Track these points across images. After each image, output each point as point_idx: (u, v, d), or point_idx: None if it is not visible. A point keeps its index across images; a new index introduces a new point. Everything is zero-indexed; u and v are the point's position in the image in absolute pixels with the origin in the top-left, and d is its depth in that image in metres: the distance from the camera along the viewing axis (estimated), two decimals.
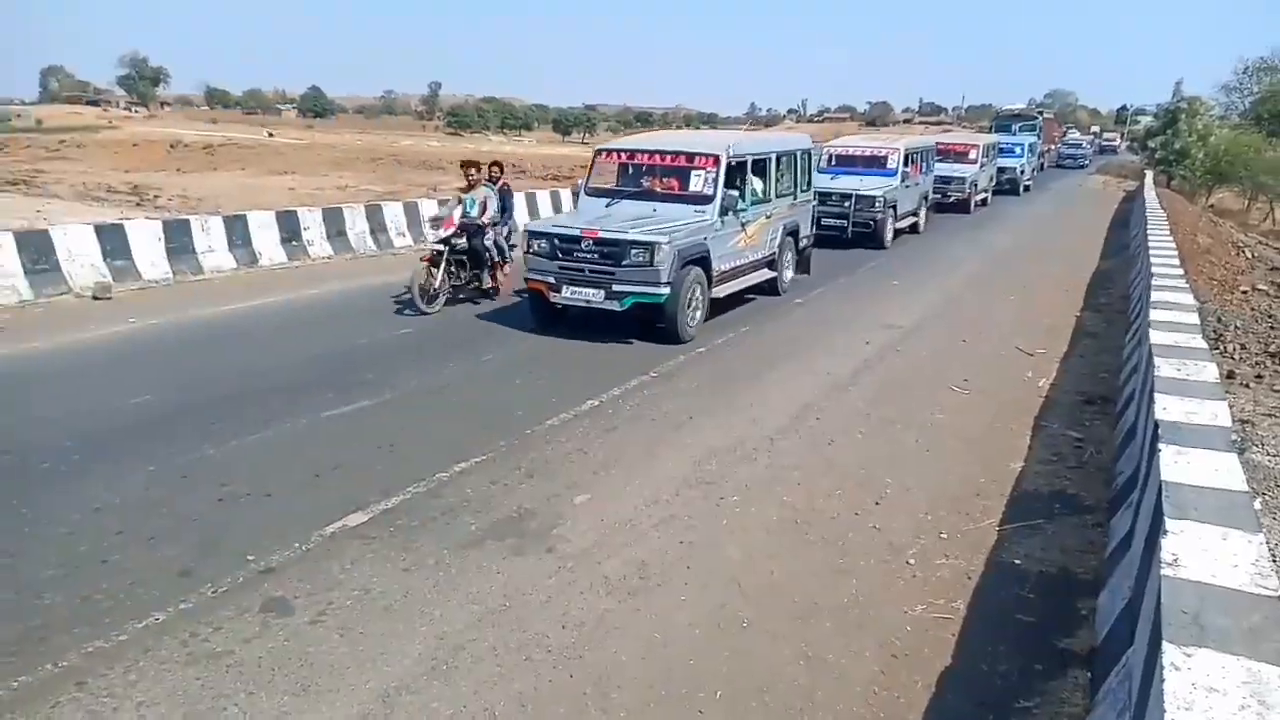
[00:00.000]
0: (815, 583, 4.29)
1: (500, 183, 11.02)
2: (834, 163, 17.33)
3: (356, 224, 14.47)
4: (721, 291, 9.59)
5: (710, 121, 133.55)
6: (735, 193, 9.45)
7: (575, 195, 10.56)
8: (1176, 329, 6.08)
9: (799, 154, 11.65)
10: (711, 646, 3.76)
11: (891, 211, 15.96)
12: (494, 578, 4.24)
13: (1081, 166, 46.18)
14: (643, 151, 10.07)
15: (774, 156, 10.73)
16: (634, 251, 8.33)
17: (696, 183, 9.38)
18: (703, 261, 8.97)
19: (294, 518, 4.81)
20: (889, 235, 15.98)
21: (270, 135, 64.64)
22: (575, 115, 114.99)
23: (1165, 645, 2.33)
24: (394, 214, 15.23)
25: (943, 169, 21.04)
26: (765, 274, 10.86)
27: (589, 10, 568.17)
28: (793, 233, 11.51)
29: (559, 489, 5.28)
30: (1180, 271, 9.37)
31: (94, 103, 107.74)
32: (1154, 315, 6.53)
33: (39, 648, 3.57)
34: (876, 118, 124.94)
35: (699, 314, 9.08)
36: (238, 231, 12.68)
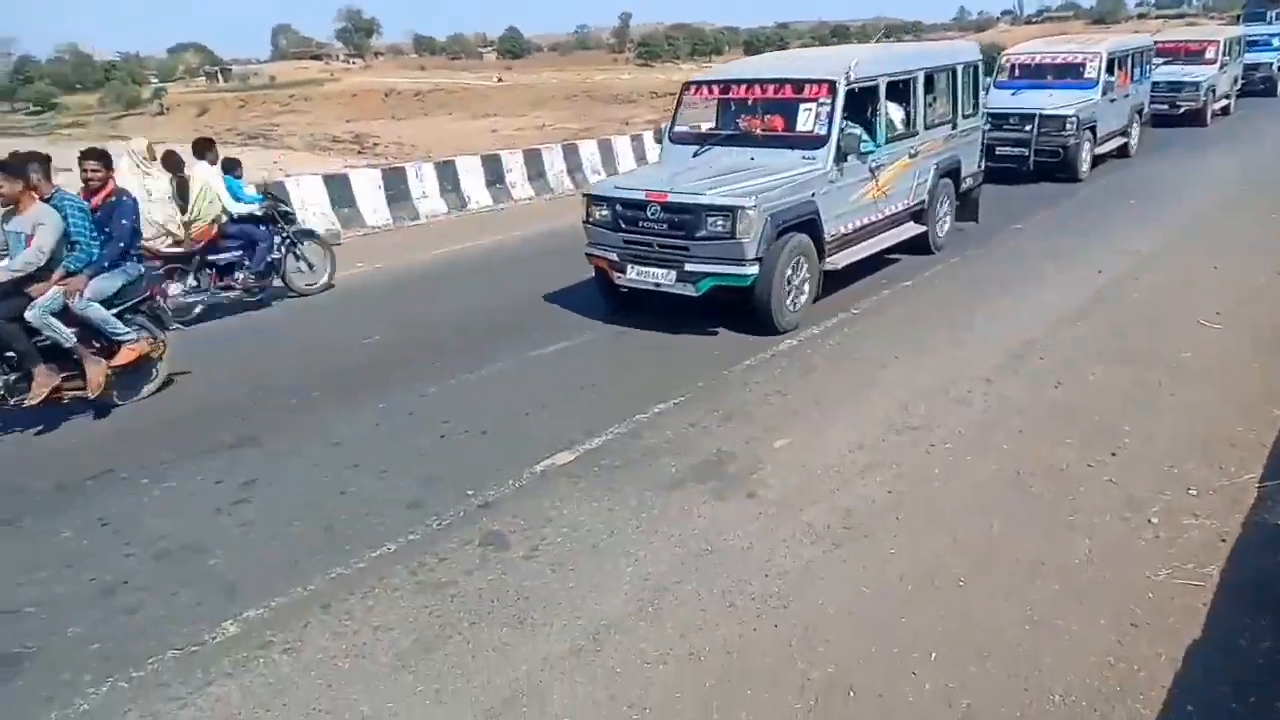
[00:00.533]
0: (1041, 540, 3.97)
1: (106, 190, 6.11)
2: (1017, 74, 14.20)
3: (554, 164, 14.83)
4: (840, 261, 7.54)
5: (914, 31, 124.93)
6: (858, 130, 7.45)
7: (660, 141, 8.70)
8: None
9: (960, 69, 9.07)
10: (924, 603, 3.58)
11: (1089, 134, 12.90)
12: (695, 521, 4.25)
13: None
14: (739, 83, 7.97)
15: (920, 75, 8.31)
16: (710, 219, 6.54)
17: (805, 120, 7.30)
18: (809, 226, 7.02)
19: (507, 455, 5.04)
20: (1084, 164, 12.93)
21: (499, 80, 67.09)
22: (766, 35, 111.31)
23: None
24: (589, 153, 15.46)
25: (1169, 73, 17.53)
26: (911, 229, 8.64)
27: None
28: (951, 172, 9.13)
29: (757, 432, 5.20)
30: None
31: (317, 58, 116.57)
32: None
33: (290, 572, 3.97)
34: (1105, 14, 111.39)
35: (805, 294, 7.15)
36: (448, 177, 13.38)
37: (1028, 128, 12.67)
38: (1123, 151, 14.73)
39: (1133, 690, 3.06)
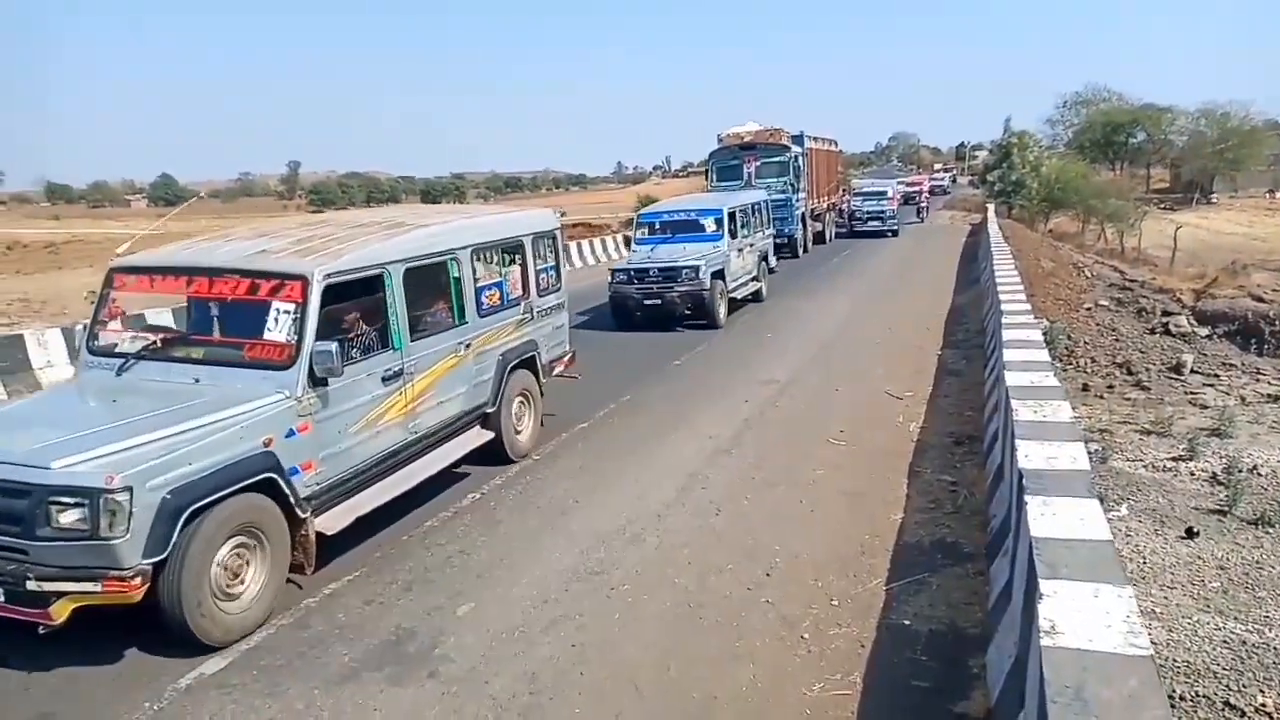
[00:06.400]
0: (713, 672, 4.16)
1: None
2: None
3: None
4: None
5: (580, 183, 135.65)
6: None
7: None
8: (1030, 368, 6.36)
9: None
10: None
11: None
12: (371, 716, 3.92)
13: (894, 233, 29.12)
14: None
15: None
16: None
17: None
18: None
19: (142, 672, 4.34)
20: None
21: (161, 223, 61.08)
22: (443, 184, 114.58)
23: None
24: None
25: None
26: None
27: (449, 80, 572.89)
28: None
29: (440, 600, 4.99)
30: (1028, 306, 9.91)
31: None
32: (1008, 355, 6.83)
33: None
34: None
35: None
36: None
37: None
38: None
39: None
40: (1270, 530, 6.50)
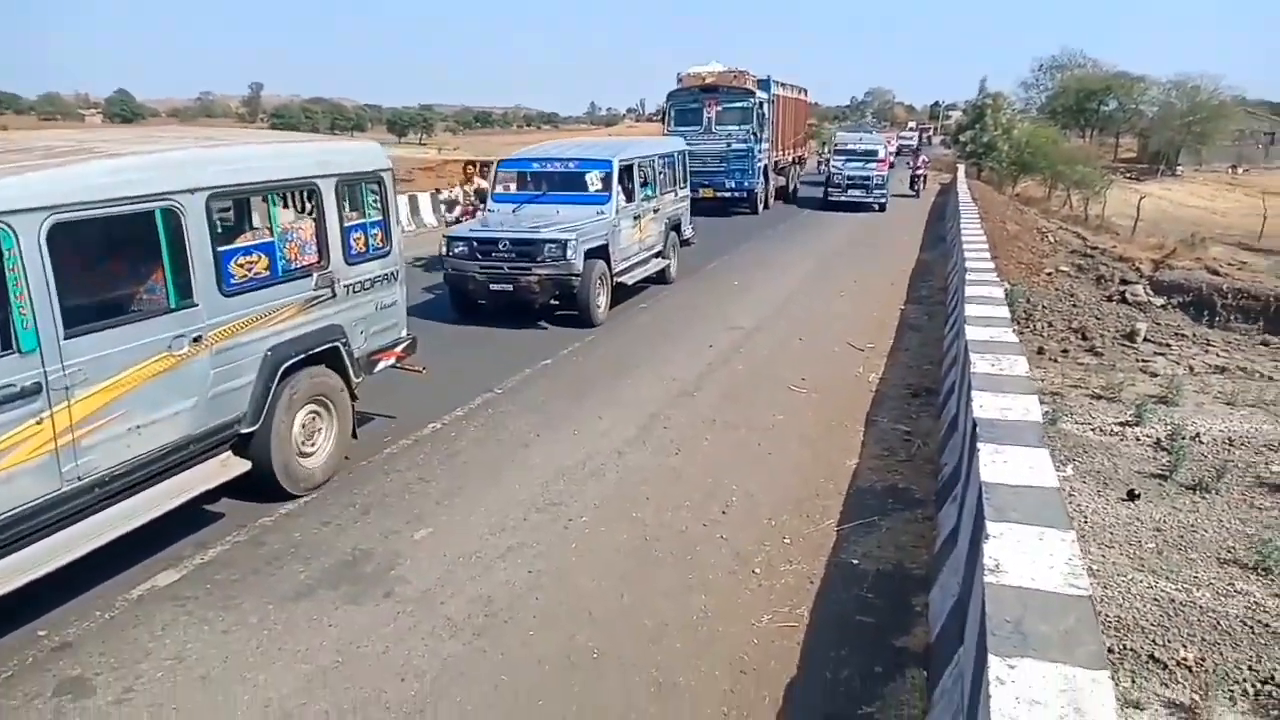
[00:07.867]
0: (666, 602, 4.25)
1: None
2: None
3: None
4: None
5: (552, 122, 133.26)
6: None
7: None
8: (990, 324, 6.45)
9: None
10: (562, 683, 3.64)
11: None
12: (325, 631, 3.95)
13: (880, 206, 23.28)
14: None
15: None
16: None
17: None
18: None
19: (93, 581, 4.31)
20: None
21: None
22: (410, 115, 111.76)
23: (990, 658, 2.40)
24: None
25: None
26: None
27: (422, 9, 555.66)
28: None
29: (398, 524, 5.01)
30: (992, 266, 10.01)
31: None
32: (969, 310, 6.92)
33: None
34: None
35: None
36: None
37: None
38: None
39: None
40: (1206, 496, 6.75)
